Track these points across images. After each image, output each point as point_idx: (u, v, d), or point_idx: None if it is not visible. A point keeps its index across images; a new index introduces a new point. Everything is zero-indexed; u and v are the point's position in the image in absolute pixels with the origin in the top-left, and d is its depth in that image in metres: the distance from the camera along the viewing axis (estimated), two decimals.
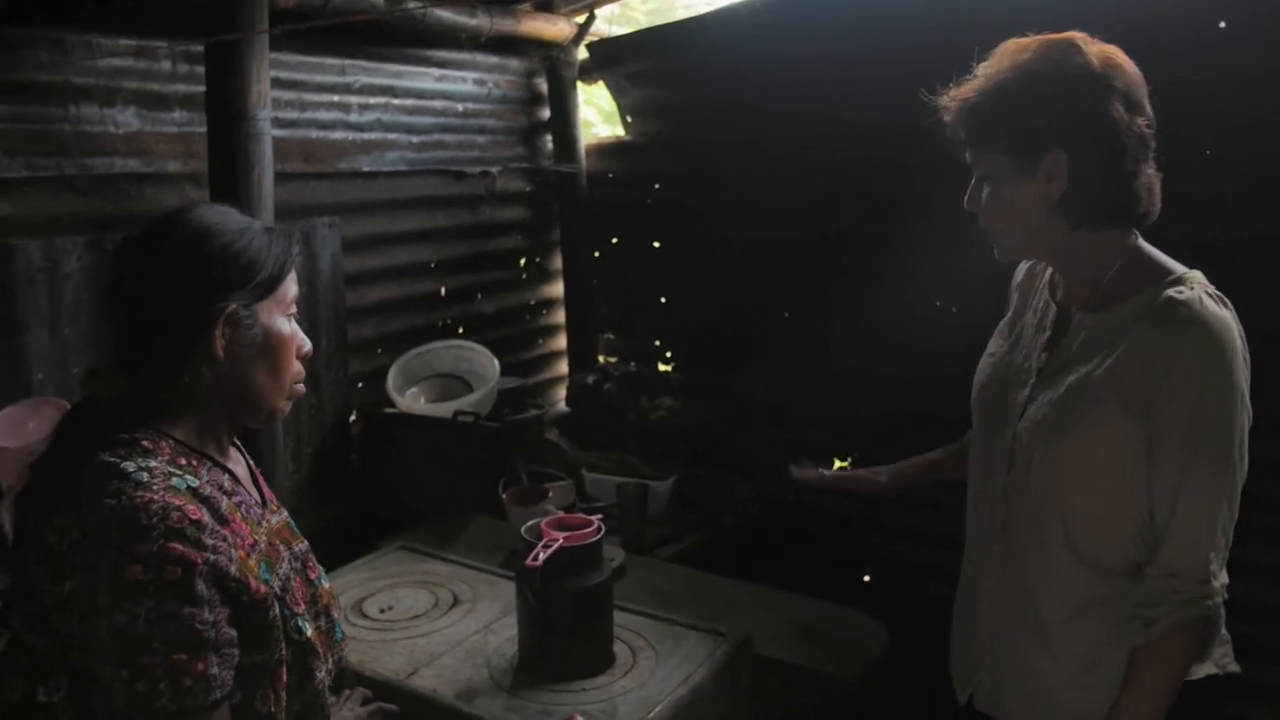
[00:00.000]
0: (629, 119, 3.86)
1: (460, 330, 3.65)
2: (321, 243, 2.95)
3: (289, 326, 1.42)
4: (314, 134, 2.97)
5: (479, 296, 3.74)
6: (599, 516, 2.09)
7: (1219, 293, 1.45)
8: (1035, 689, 1.60)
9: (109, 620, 1.15)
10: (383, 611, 2.30)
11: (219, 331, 1.32)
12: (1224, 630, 1.53)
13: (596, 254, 4.07)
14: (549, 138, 3.93)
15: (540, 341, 4.10)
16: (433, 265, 3.50)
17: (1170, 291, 1.43)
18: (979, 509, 1.70)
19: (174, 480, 1.25)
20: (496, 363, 3.19)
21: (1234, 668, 1.56)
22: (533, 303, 4.03)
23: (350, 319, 3.16)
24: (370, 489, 3.06)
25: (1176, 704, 1.46)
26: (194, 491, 1.26)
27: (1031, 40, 1.45)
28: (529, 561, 1.89)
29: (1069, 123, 1.40)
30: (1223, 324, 1.40)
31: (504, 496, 2.73)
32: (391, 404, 3.12)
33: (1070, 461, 1.50)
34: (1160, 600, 1.43)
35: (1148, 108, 1.43)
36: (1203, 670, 1.52)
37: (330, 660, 1.51)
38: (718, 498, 3.18)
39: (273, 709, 1.30)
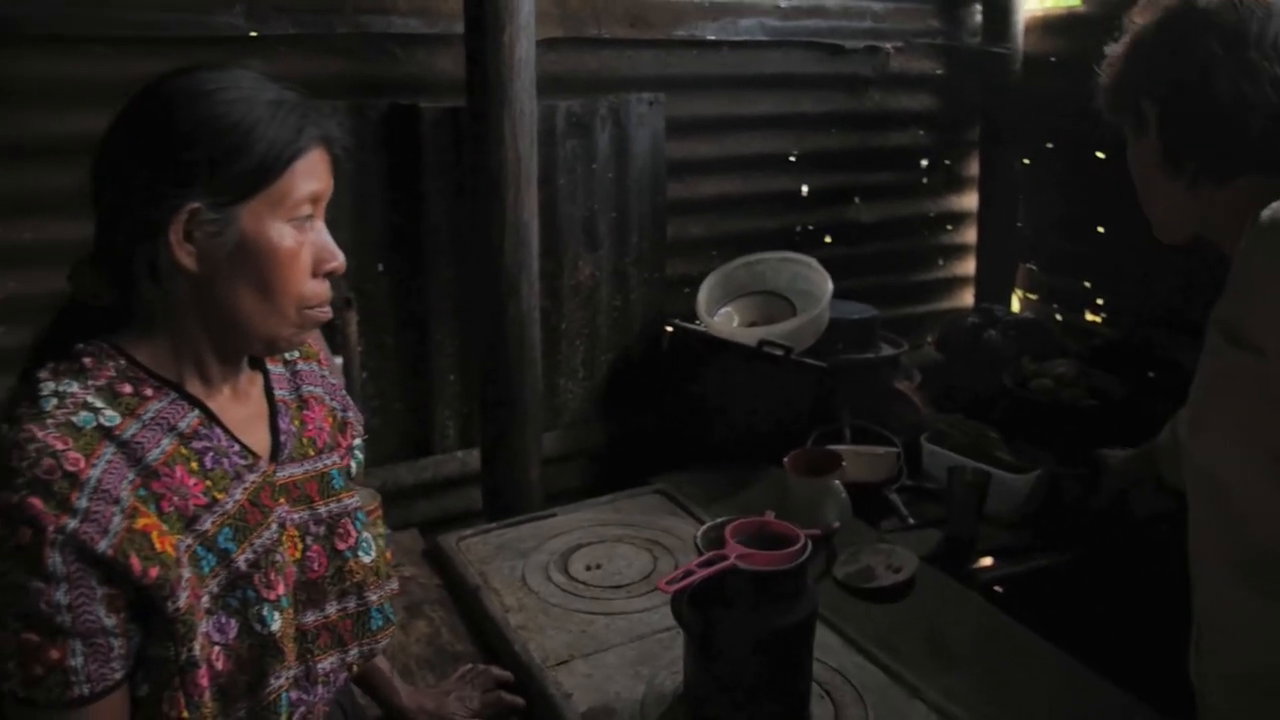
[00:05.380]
0: None
1: (827, 239, 3.07)
2: (636, 121, 2.55)
3: (290, 235, 1.08)
4: None
5: (856, 201, 3.10)
6: (814, 532, 1.51)
7: None
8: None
9: None
10: (588, 569, 1.98)
11: (176, 236, 1.03)
12: None
13: (1026, 161, 3.19)
14: (977, 8, 3.10)
15: (940, 263, 3.37)
16: (793, 158, 2.93)
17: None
18: None
19: (80, 415, 1.00)
20: (830, 286, 2.59)
21: None
22: (933, 215, 3.29)
23: (674, 214, 2.76)
24: (665, 412, 2.68)
25: None
26: (106, 432, 1.01)
27: None
28: (664, 583, 1.39)
29: (1153, 65, 1.33)
30: None
31: (785, 460, 2.19)
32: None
33: (1200, 411, 1.33)
34: None
35: None
36: None
37: (356, 650, 1.25)
38: (1103, 514, 2.32)
39: (184, 714, 1.03)
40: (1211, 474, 1.29)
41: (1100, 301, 3.02)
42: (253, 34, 2.09)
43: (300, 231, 1.09)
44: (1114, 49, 1.39)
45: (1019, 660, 1.74)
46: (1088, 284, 3.05)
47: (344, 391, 1.39)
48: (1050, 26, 3.07)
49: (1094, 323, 3.04)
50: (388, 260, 2.35)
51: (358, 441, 1.37)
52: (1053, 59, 3.05)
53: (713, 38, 2.68)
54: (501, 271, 2.13)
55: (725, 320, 2.68)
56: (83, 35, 1.99)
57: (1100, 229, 2.94)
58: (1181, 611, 1.44)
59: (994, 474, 2.27)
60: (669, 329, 2.77)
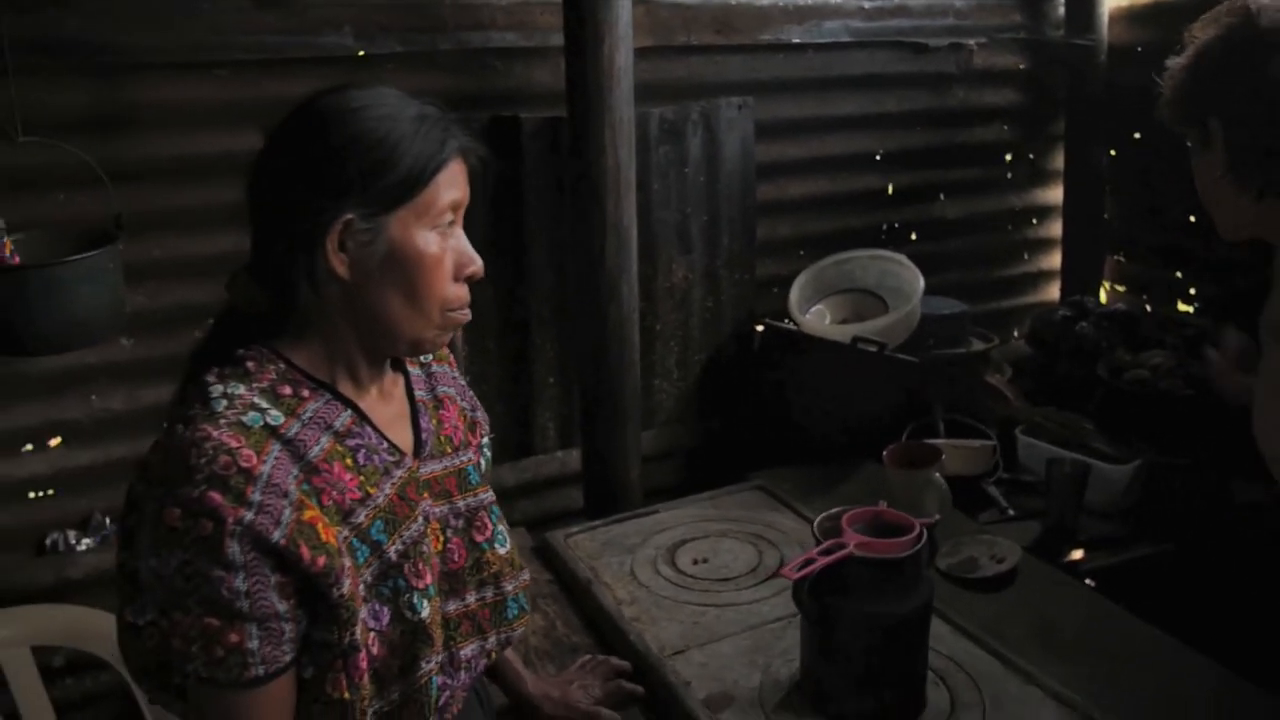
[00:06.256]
0: None
1: (913, 236, 3.08)
2: (726, 126, 2.59)
3: (435, 242, 1.14)
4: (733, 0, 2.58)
5: (941, 197, 3.11)
6: (930, 520, 1.54)
7: None
8: None
9: (146, 562, 1.02)
10: (695, 563, 2.01)
11: (332, 246, 1.09)
12: None
13: (1112, 153, 3.17)
14: (1059, 1, 3.09)
15: (1025, 257, 3.35)
16: (878, 157, 2.95)
17: None
18: None
19: (249, 415, 1.05)
20: (921, 282, 2.60)
21: None
22: (1018, 209, 3.28)
23: (764, 215, 2.79)
24: (759, 411, 2.72)
25: None
26: (273, 430, 1.06)
27: (1224, 6, 1.41)
28: (788, 570, 1.43)
29: (1220, 84, 1.39)
30: None
31: (884, 454, 2.21)
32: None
33: (1263, 411, 1.51)
34: None
35: None
36: None
37: (494, 638, 1.30)
38: (1205, 503, 2.31)
39: (346, 695, 1.09)
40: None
41: (1193, 291, 2.99)
42: (360, 53, 2.18)
43: (443, 238, 1.15)
44: (1176, 62, 1.44)
45: (1130, 647, 1.74)
46: (1179, 274, 3.02)
47: (472, 393, 1.45)
48: (1135, 16, 3.04)
49: (1186, 313, 3.01)
50: (490, 266, 2.36)
51: (485, 440, 1.42)
52: (1139, 49, 3.02)
53: (798, 41, 2.71)
54: (603, 275, 2.19)
55: (817, 318, 2.71)
56: (204, 60, 2.10)
57: (1191, 218, 2.91)
58: None
59: (1093, 465, 2.28)
60: (760, 328, 2.81)
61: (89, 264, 1.85)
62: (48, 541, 2.22)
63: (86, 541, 2.23)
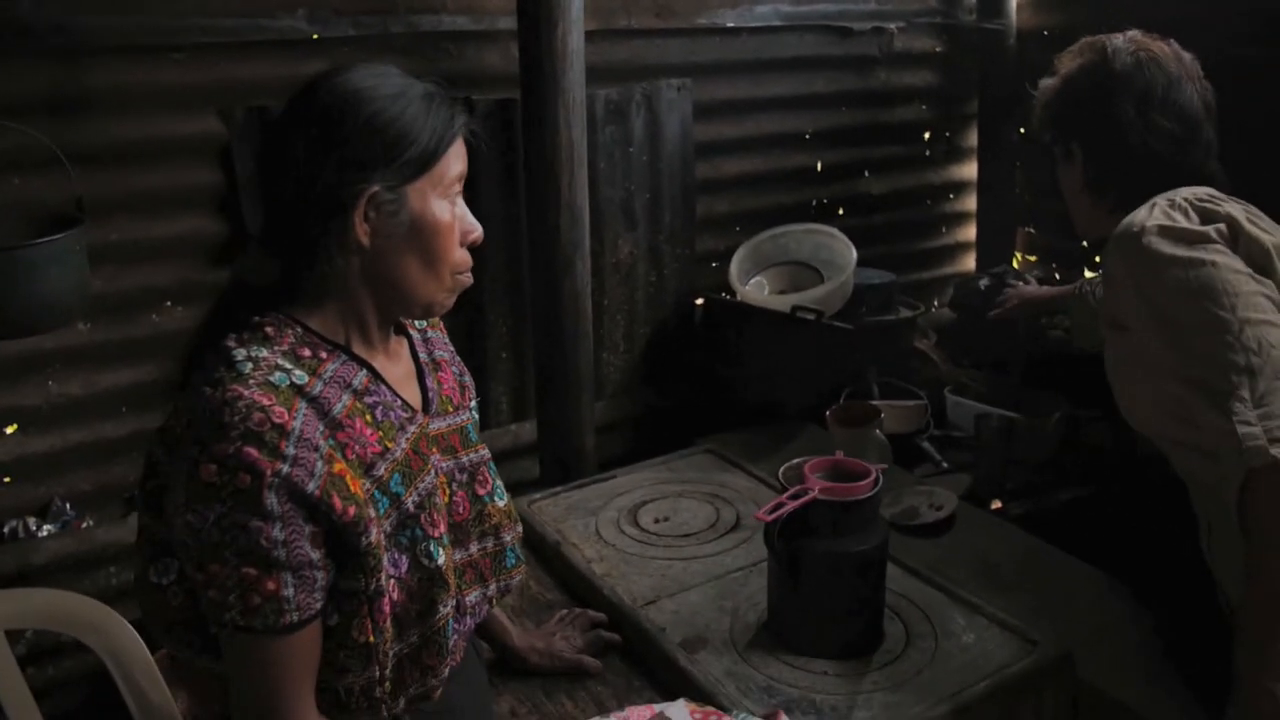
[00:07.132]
0: None
1: (840, 211, 3.23)
2: (667, 107, 2.69)
3: (448, 210, 1.22)
4: None
5: (866, 174, 3.27)
6: (881, 467, 1.67)
7: (1180, 200, 1.49)
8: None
9: (182, 518, 1.06)
10: (656, 521, 2.11)
11: (359, 216, 1.15)
12: None
13: (1021, 130, 3.37)
14: None
15: (943, 230, 3.54)
16: (808, 136, 3.09)
17: None
18: None
19: (275, 375, 1.11)
20: (854, 253, 2.75)
21: None
22: (937, 185, 3.47)
23: (702, 193, 2.91)
24: (702, 380, 2.83)
25: None
26: (299, 389, 1.12)
27: (1087, 41, 1.66)
28: (761, 514, 1.54)
29: (1080, 118, 1.64)
30: (1129, 223, 1.48)
31: (827, 414, 2.35)
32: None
33: (1117, 391, 1.65)
34: (1217, 459, 1.39)
35: (1180, 103, 1.58)
36: None
37: (494, 585, 1.37)
38: (1114, 452, 2.51)
39: (371, 639, 1.16)
40: (1146, 430, 1.60)
41: (1097, 259, 3.20)
42: (315, 36, 2.21)
43: (452, 206, 1.24)
44: (1047, 84, 1.71)
45: (1063, 579, 1.91)
46: (1085, 244, 3.22)
47: (459, 358, 1.52)
48: (1041, 2, 3.24)
49: (1093, 279, 3.21)
50: None
51: (474, 402, 1.51)
52: (1045, 32, 3.22)
53: (732, 24, 2.82)
54: (558, 250, 2.27)
55: (756, 289, 2.83)
56: (160, 44, 2.11)
57: None
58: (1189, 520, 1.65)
59: (1017, 419, 2.45)
60: (700, 301, 2.92)
61: (57, 246, 1.86)
62: (6, 529, 2.21)
63: (48, 528, 2.23)
